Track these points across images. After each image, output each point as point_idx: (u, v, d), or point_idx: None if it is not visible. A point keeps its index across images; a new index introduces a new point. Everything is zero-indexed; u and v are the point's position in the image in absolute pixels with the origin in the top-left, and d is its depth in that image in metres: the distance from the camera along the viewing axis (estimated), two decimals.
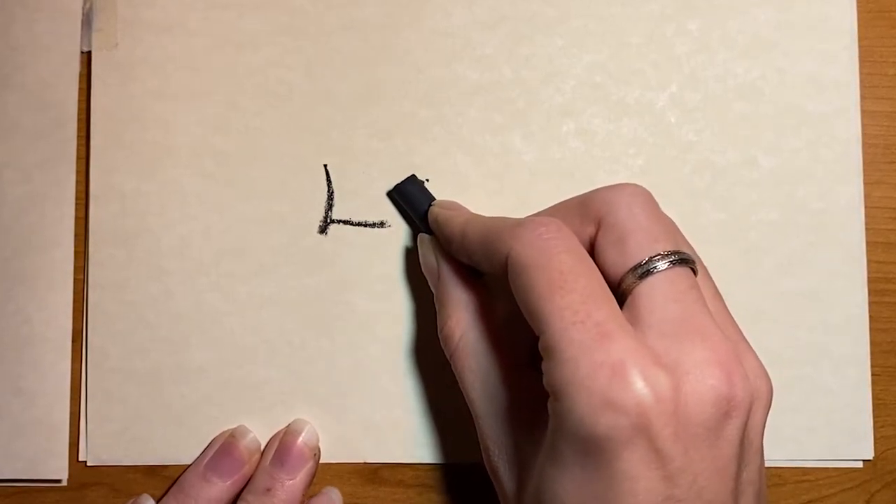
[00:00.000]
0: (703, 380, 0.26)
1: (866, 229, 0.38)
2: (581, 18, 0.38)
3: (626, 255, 0.28)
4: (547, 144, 0.38)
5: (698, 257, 0.30)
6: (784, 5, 0.38)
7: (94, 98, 0.37)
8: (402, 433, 0.37)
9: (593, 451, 0.25)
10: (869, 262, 0.38)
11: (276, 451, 0.36)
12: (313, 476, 0.36)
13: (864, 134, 0.38)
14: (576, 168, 0.37)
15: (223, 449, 0.36)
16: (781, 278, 0.37)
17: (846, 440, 0.37)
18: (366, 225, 0.37)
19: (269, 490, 0.35)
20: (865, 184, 0.38)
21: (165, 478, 0.37)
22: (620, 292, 0.28)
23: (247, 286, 0.37)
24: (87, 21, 0.38)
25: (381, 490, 0.37)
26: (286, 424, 0.37)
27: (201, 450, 0.36)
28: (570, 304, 0.26)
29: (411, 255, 0.37)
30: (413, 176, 0.37)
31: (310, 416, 0.37)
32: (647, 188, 0.36)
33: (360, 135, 0.37)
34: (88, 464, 0.37)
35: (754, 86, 0.38)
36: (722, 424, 0.26)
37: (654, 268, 0.28)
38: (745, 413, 0.26)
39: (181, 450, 0.37)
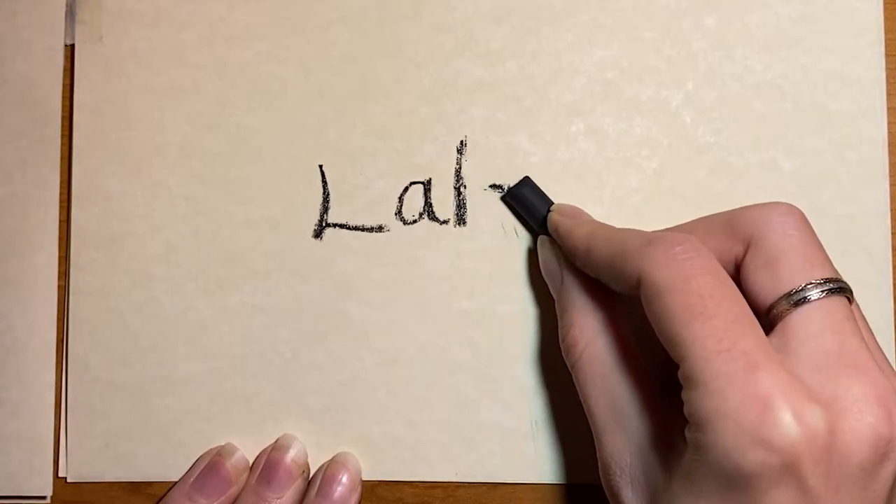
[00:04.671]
0: (862, 418, 0.25)
1: (893, 235, 0.37)
2: (591, 11, 0.37)
3: (779, 279, 0.27)
4: (555, 145, 0.37)
5: None
6: None
7: (78, 94, 0.37)
8: (400, 449, 0.36)
9: (738, 486, 0.25)
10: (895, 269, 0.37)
11: (263, 468, 0.35)
12: (303, 495, 0.35)
13: (889, 133, 0.37)
14: (585, 170, 0.37)
15: (209, 468, 0.35)
16: None
17: None
18: (363, 229, 0.37)
19: None
20: (892, 186, 0.37)
21: (150, 495, 0.36)
22: (769, 319, 0.27)
23: (237, 293, 0.36)
24: (70, 13, 0.37)
25: None
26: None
27: (187, 466, 0.36)
28: (713, 331, 0.25)
29: (411, 261, 0.36)
30: (527, 178, 0.36)
31: (302, 431, 0.36)
32: (661, 191, 0.36)
33: (357, 133, 0.37)
34: (69, 480, 0.36)
35: (774, 83, 0.37)
36: (878, 466, 0.25)
37: (810, 295, 0.27)
38: None
39: (166, 466, 0.36)
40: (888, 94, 0.37)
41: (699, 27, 0.37)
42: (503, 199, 0.36)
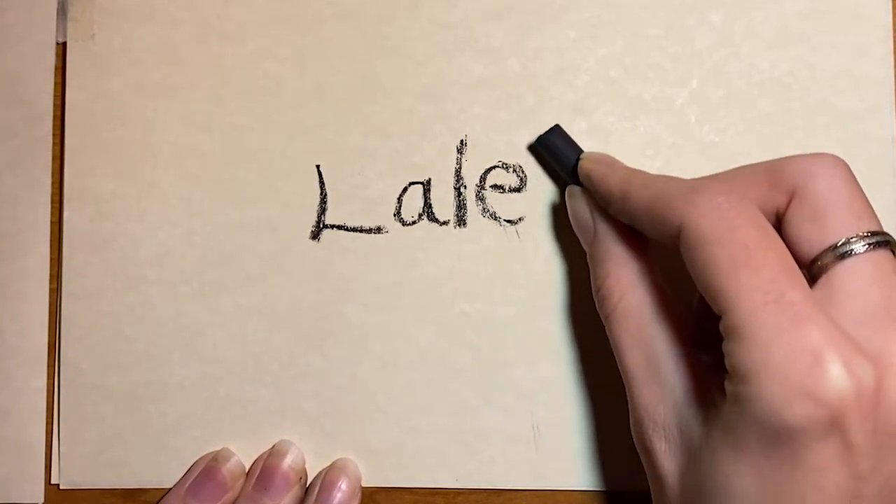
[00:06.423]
0: None
1: None
2: (595, 8, 0.37)
3: (825, 231, 0.27)
4: None
5: None
6: None
7: (70, 93, 0.37)
8: (399, 455, 0.36)
9: (781, 440, 0.24)
10: None
11: (260, 473, 0.35)
12: (300, 501, 0.35)
13: None
14: None
15: (205, 473, 0.35)
16: None
17: None
18: (361, 230, 0.36)
19: None
20: None
21: (144, 502, 0.36)
22: (813, 272, 0.27)
23: (232, 297, 0.36)
24: (62, 10, 0.37)
25: None
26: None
27: (182, 472, 0.36)
28: (760, 282, 0.25)
29: (410, 263, 0.36)
30: (557, 126, 0.35)
31: (299, 436, 0.36)
32: None
33: (355, 133, 0.36)
34: (61, 487, 0.36)
35: (781, 81, 0.36)
36: None
37: (856, 248, 0.27)
38: None
39: (161, 472, 0.36)
40: None
41: (704, 24, 0.36)
42: (530, 147, 0.36)
